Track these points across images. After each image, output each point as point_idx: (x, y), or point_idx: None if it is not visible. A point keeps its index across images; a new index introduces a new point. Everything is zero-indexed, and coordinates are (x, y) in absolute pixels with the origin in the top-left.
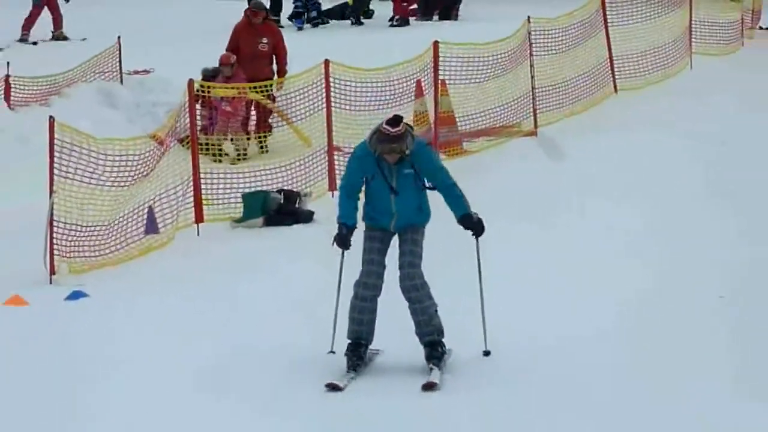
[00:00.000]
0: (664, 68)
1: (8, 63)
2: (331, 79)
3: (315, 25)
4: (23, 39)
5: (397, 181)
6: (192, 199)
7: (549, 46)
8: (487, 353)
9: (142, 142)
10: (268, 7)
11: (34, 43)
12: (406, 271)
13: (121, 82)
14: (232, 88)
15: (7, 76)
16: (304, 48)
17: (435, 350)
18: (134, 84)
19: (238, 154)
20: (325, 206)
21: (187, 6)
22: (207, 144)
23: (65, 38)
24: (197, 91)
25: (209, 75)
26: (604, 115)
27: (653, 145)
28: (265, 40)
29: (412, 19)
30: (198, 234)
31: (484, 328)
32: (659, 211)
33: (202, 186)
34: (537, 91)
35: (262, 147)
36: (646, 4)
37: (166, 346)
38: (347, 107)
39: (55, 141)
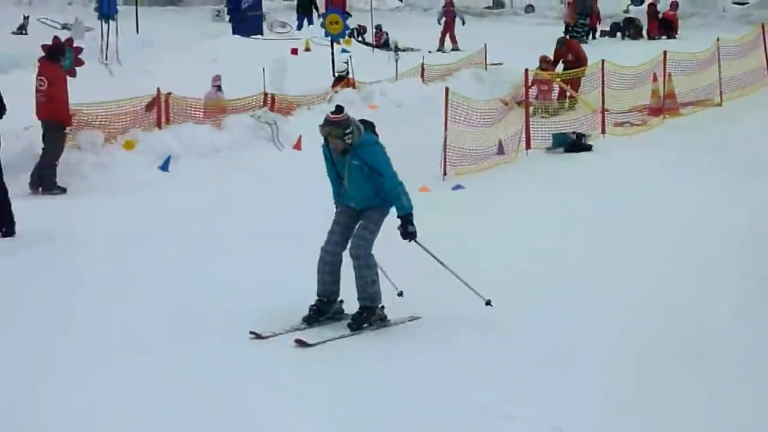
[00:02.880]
0: None
1: (423, 57)
2: (605, 71)
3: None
4: (439, 50)
5: (347, 170)
6: (524, 136)
7: (730, 55)
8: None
9: (495, 102)
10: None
11: (442, 51)
12: (353, 242)
13: (486, 69)
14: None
15: (422, 64)
16: (591, 53)
17: (360, 314)
18: (493, 71)
19: (551, 113)
20: (599, 142)
21: (524, 24)
22: (533, 105)
23: (458, 50)
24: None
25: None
26: (763, 96)
27: None
28: (570, 56)
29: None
30: (527, 155)
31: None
32: None
33: (531, 128)
34: (722, 80)
35: (562, 107)
36: None
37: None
38: (614, 86)
39: (449, 101)
